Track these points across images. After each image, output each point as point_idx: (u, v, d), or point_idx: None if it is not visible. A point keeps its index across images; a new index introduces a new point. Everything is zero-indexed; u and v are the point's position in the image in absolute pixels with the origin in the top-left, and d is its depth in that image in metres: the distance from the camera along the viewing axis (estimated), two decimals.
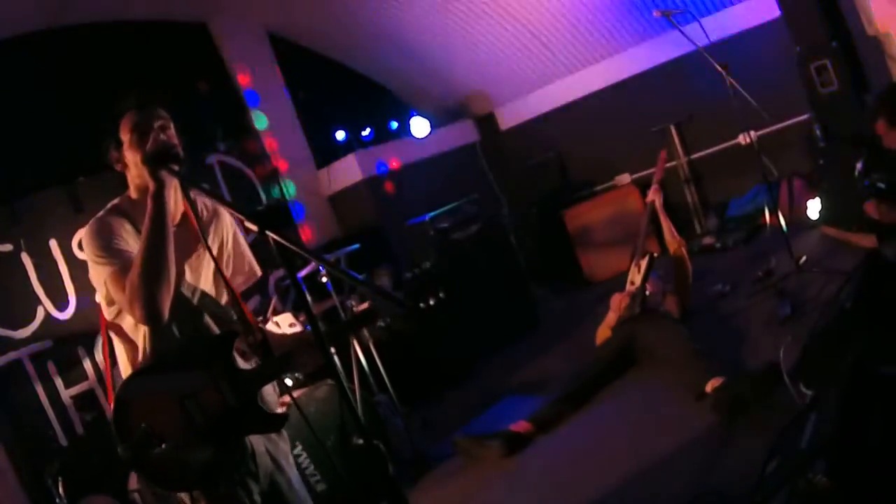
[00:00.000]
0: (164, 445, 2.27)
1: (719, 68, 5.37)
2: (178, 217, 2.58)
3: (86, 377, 5.41)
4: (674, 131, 7.72)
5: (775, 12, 6.27)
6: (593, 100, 8.28)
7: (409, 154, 7.93)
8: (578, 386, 4.65)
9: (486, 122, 9.21)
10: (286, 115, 7.88)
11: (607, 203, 7.90)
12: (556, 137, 8.62)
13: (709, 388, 3.83)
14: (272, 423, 2.56)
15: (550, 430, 4.43)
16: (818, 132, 5.97)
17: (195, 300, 2.57)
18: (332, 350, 4.52)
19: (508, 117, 9.17)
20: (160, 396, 2.34)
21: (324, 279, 5.21)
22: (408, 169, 7.80)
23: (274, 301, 5.70)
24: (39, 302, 5.33)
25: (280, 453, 2.66)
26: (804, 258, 5.29)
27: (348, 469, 4.38)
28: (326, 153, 7.75)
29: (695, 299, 5.46)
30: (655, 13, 5.47)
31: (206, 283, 2.64)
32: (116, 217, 2.52)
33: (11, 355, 5.12)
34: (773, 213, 5.96)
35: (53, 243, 5.44)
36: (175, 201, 2.55)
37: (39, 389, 5.18)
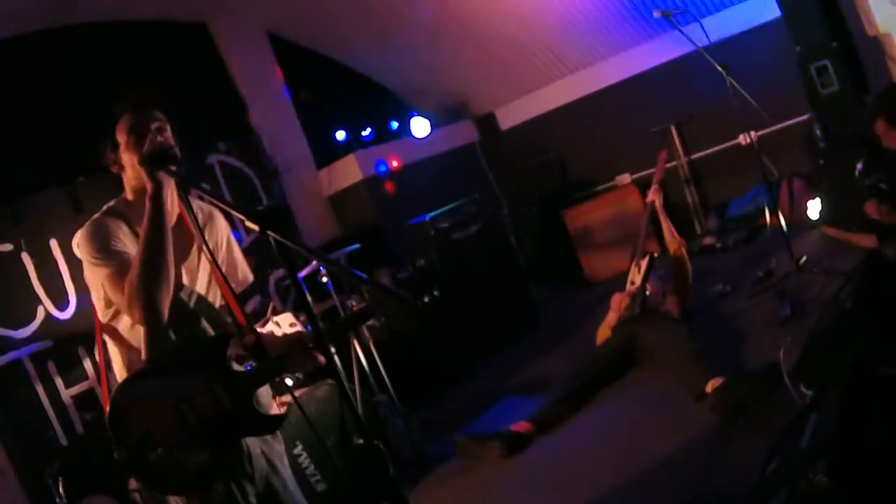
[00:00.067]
0: (160, 449, 2.27)
1: (719, 68, 5.37)
2: (174, 219, 2.58)
3: (86, 377, 5.40)
4: (674, 131, 7.72)
5: (775, 12, 6.27)
6: (594, 100, 8.28)
7: (410, 154, 7.93)
8: (579, 386, 4.65)
9: (487, 122, 9.21)
10: (286, 115, 7.88)
11: (608, 203, 7.90)
12: (557, 137, 8.62)
13: (709, 388, 3.83)
14: (268, 425, 2.56)
15: (551, 431, 4.44)
16: (818, 132, 5.97)
17: (191, 303, 2.58)
18: (333, 350, 4.53)
19: (509, 117, 9.17)
20: (156, 400, 2.34)
21: (324, 279, 5.21)
22: (408, 169, 7.80)
23: (273, 303, 5.70)
24: (40, 302, 5.33)
25: (275, 455, 2.66)
26: (804, 258, 5.29)
27: (348, 469, 4.38)
28: (326, 153, 7.74)
29: (695, 299, 5.46)
30: (656, 13, 5.47)
31: (202, 287, 2.64)
32: (113, 219, 2.53)
33: (12, 355, 5.12)
34: (774, 214, 5.97)
35: (54, 243, 5.44)
36: (171, 203, 2.55)
37: (40, 389, 5.18)
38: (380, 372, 5.21)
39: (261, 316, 6.12)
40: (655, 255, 5.28)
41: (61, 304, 5.40)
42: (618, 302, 5.13)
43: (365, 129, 7.70)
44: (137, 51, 6.74)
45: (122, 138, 2.50)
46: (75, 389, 5.33)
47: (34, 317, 5.30)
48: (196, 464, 2.32)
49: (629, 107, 7.92)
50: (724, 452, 3.36)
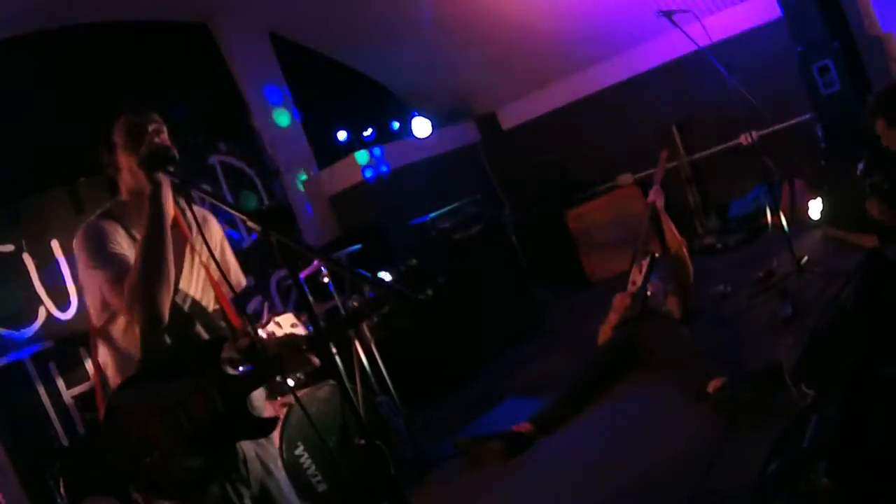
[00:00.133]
0: (155, 453, 2.27)
1: (721, 68, 5.37)
2: (170, 222, 2.58)
3: (87, 377, 5.40)
4: (675, 131, 7.72)
5: (777, 12, 6.27)
6: (595, 100, 8.28)
7: (411, 154, 7.92)
8: (580, 387, 4.65)
9: (488, 122, 9.20)
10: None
11: (609, 203, 7.90)
12: (558, 137, 8.61)
13: (710, 388, 3.83)
14: (262, 428, 2.56)
15: (552, 431, 4.44)
16: (819, 132, 5.97)
17: (186, 307, 2.58)
18: (334, 350, 4.54)
19: (510, 117, 9.17)
20: (151, 405, 2.34)
21: (325, 279, 5.21)
22: (409, 169, 7.79)
23: (267, 307, 5.71)
24: (41, 302, 5.34)
25: (269, 458, 2.66)
26: (805, 258, 5.28)
27: (350, 469, 4.38)
28: (328, 153, 7.74)
29: (696, 300, 5.46)
30: (657, 13, 5.47)
31: (196, 290, 2.64)
32: (108, 221, 2.52)
33: (13, 355, 5.12)
34: (775, 214, 5.96)
35: (55, 243, 5.44)
36: (168, 205, 2.55)
37: (41, 389, 5.18)
38: (381, 372, 5.22)
39: (260, 315, 6.14)
40: (656, 255, 5.27)
41: (62, 304, 5.41)
42: (619, 302, 5.13)
43: (366, 130, 7.70)
44: (138, 51, 6.75)
45: (118, 140, 2.50)
46: (76, 390, 5.33)
47: (35, 317, 5.30)
48: (191, 468, 2.32)
49: (630, 107, 7.92)
50: (725, 452, 3.36)
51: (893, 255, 3.62)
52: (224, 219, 6.53)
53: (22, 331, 5.22)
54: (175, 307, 2.48)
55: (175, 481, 2.31)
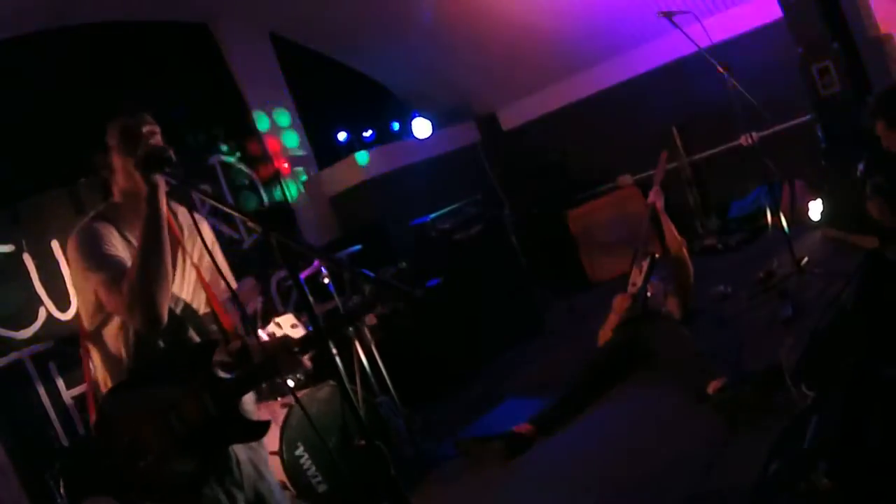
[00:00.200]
0: (148, 458, 2.27)
1: (721, 69, 5.37)
2: (166, 223, 2.58)
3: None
4: (675, 132, 7.72)
5: (777, 13, 6.27)
6: (595, 100, 8.28)
7: (411, 155, 7.92)
8: (580, 387, 4.65)
9: (489, 123, 9.20)
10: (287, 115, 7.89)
11: (609, 204, 7.91)
12: (559, 138, 8.62)
13: (710, 389, 3.83)
14: (255, 432, 2.55)
15: (552, 432, 4.44)
16: (820, 133, 5.97)
17: (178, 310, 2.57)
18: (334, 351, 4.54)
19: (511, 118, 9.17)
20: (143, 409, 2.34)
21: (325, 280, 5.21)
22: (409, 170, 7.79)
23: (254, 305, 5.72)
24: (41, 303, 5.33)
25: (261, 461, 2.66)
26: (805, 259, 5.28)
27: (350, 470, 4.39)
28: (328, 154, 7.74)
29: (696, 300, 5.46)
30: (658, 14, 5.47)
31: (187, 293, 2.64)
32: (102, 223, 2.51)
33: (13, 356, 5.11)
34: (775, 215, 5.96)
35: (55, 244, 5.44)
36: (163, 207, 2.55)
37: (41, 390, 5.18)
38: (381, 373, 5.22)
39: (261, 314, 6.14)
40: (657, 255, 5.27)
41: (63, 305, 5.40)
42: (619, 303, 5.13)
43: (366, 130, 7.70)
44: (139, 51, 6.74)
45: (113, 141, 2.50)
46: (76, 390, 5.33)
47: (36, 318, 5.30)
48: (184, 472, 2.32)
49: (631, 107, 7.92)
50: (725, 453, 3.36)
51: (893, 256, 3.63)
52: (224, 219, 6.57)
53: (22, 331, 5.22)
54: (167, 311, 2.48)
55: (168, 485, 2.31)
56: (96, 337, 2.53)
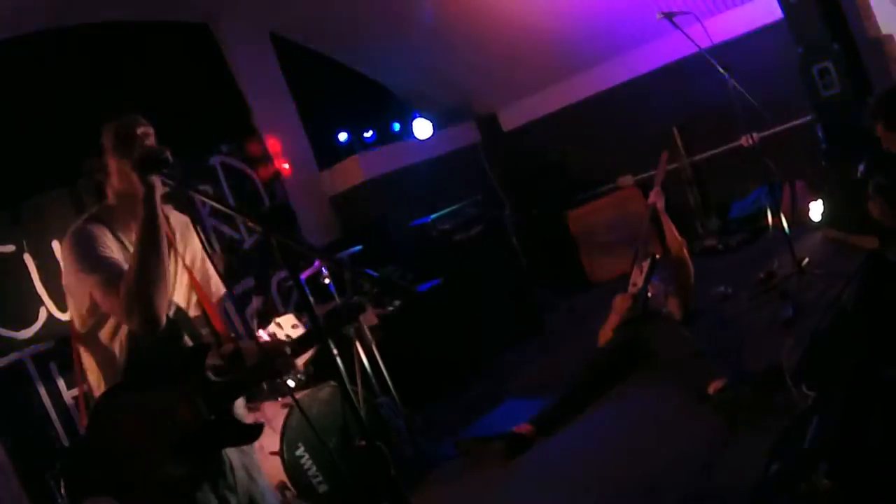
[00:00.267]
0: (141, 462, 2.27)
1: (721, 70, 5.37)
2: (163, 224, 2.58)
3: None
4: (676, 133, 7.72)
5: (777, 14, 6.27)
6: (596, 101, 8.28)
7: (412, 155, 7.92)
8: (580, 388, 4.65)
9: (489, 124, 9.20)
10: (288, 116, 7.89)
11: (610, 205, 7.91)
12: (559, 139, 8.62)
13: (711, 389, 3.83)
14: (248, 435, 2.55)
15: (553, 432, 4.44)
16: (820, 134, 5.97)
17: (171, 313, 2.57)
18: (335, 351, 4.53)
19: (511, 118, 9.17)
20: (137, 413, 2.34)
21: (326, 280, 5.21)
22: (410, 170, 7.79)
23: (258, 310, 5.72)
24: (42, 303, 5.33)
25: (252, 465, 2.66)
26: (806, 260, 5.28)
27: (350, 470, 4.39)
28: (329, 154, 7.74)
29: (697, 301, 5.46)
30: (658, 15, 5.48)
31: (179, 296, 2.63)
32: (96, 225, 2.51)
33: (13, 356, 5.11)
34: (776, 215, 5.96)
35: (56, 244, 5.44)
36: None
37: (41, 390, 5.17)
38: (382, 373, 5.22)
39: (262, 316, 6.14)
40: (657, 256, 5.27)
41: (63, 305, 5.39)
42: (620, 303, 5.13)
43: (367, 131, 7.70)
44: (139, 51, 6.74)
45: (108, 142, 2.50)
46: (77, 390, 5.31)
47: (36, 318, 5.29)
48: (177, 476, 2.31)
49: (631, 108, 7.92)
50: (726, 453, 3.36)
51: (894, 257, 3.63)
52: (225, 219, 6.57)
53: (22, 331, 5.22)
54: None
55: (161, 490, 2.31)
56: (89, 339, 2.54)
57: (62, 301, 5.37)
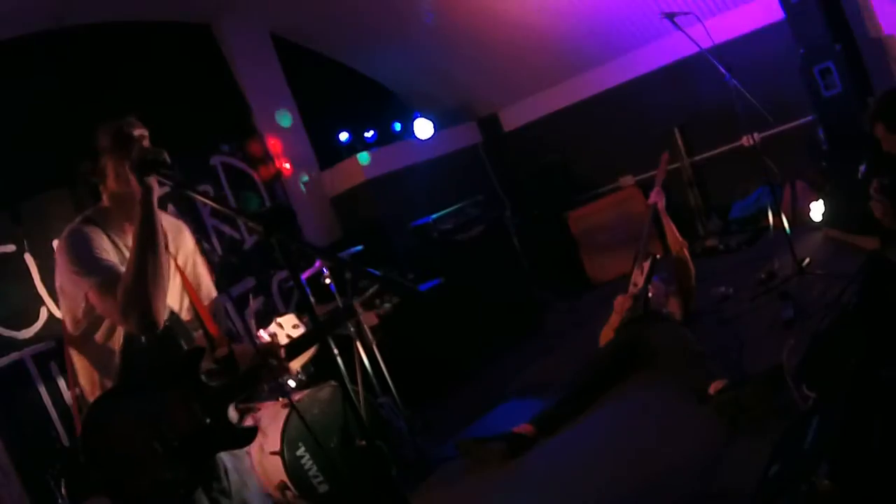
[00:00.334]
0: (136, 467, 2.27)
1: (723, 70, 5.37)
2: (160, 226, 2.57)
3: None
4: (677, 133, 7.72)
5: (779, 15, 6.27)
6: (597, 101, 8.28)
7: (413, 155, 7.92)
8: (581, 388, 4.65)
9: (490, 124, 9.21)
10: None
11: (611, 205, 7.91)
12: (560, 139, 8.62)
13: (711, 390, 3.82)
14: (242, 439, 2.55)
15: (553, 433, 4.43)
16: (821, 135, 5.97)
17: (165, 316, 2.56)
18: (336, 352, 4.54)
19: (512, 119, 9.17)
20: (131, 417, 2.33)
21: (327, 280, 5.21)
22: (411, 170, 7.80)
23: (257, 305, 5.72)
24: (42, 302, 5.33)
25: (243, 470, 2.67)
26: (807, 260, 5.28)
27: (351, 470, 4.39)
28: (330, 155, 7.74)
29: (697, 301, 5.46)
30: (660, 15, 5.47)
31: (173, 300, 2.62)
32: (91, 227, 2.51)
33: (14, 356, 5.12)
34: (776, 216, 5.96)
35: (56, 244, 5.44)
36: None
37: (42, 390, 5.18)
38: (383, 373, 5.22)
39: (262, 316, 6.14)
40: (658, 256, 5.27)
41: None
42: (620, 304, 5.13)
43: (368, 131, 7.70)
44: (140, 51, 6.74)
45: (105, 144, 2.49)
46: (77, 390, 5.33)
47: (37, 318, 5.29)
48: (172, 481, 2.31)
49: (632, 108, 7.92)
50: (727, 455, 3.36)
51: (895, 258, 3.62)
52: (226, 220, 6.57)
53: (23, 331, 5.22)
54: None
55: (156, 494, 2.30)
56: (82, 342, 2.52)
57: None
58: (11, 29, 5.85)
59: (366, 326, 5.16)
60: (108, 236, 2.51)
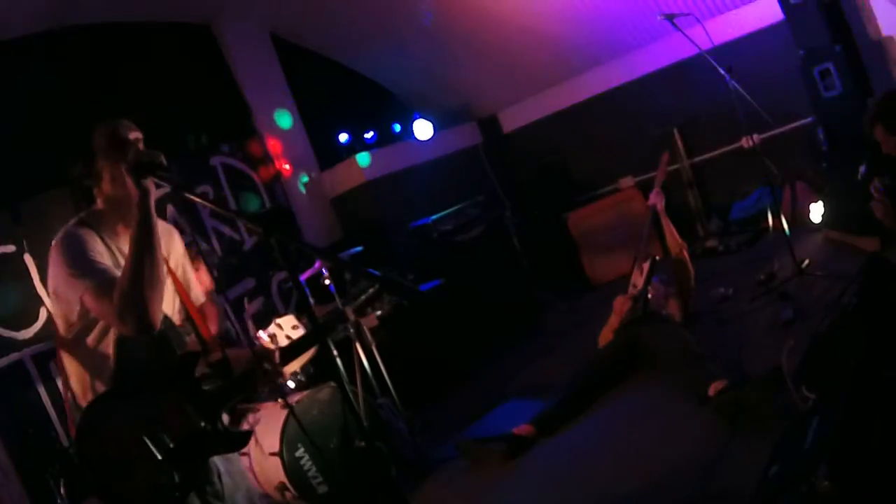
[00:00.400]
0: (130, 471, 2.27)
1: (722, 71, 5.37)
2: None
3: None
4: (677, 134, 7.72)
5: (778, 16, 6.27)
6: (597, 102, 8.28)
7: (413, 156, 7.93)
8: (581, 389, 4.64)
9: (490, 125, 9.21)
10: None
11: (610, 206, 7.90)
12: (560, 140, 8.62)
13: (711, 391, 3.82)
14: (237, 442, 2.55)
15: (553, 434, 4.43)
16: (821, 136, 5.97)
17: None
18: (335, 352, 4.53)
19: (512, 120, 9.17)
20: (126, 422, 2.33)
21: (326, 281, 5.21)
22: (411, 171, 7.80)
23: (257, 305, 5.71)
24: (42, 303, 5.34)
25: (236, 473, 2.67)
26: (807, 261, 5.27)
27: (351, 471, 4.38)
28: (329, 155, 7.75)
29: (697, 302, 5.45)
30: (659, 16, 5.47)
31: (166, 304, 2.62)
32: (85, 229, 2.51)
33: (14, 356, 5.13)
34: (776, 217, 5.96)
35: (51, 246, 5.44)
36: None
37: (42, 390, 5.19)
38: (382, 374, 5.21)
39: (261, 316, 6.14)
40: (657, 258, 5.27)
41: None
42: (620, 305, 5.12)
43: (368, 132, 7.70)
44: (140, 52, 6.75)
45: (100, 146, 2.49)
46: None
47: (37, 318, 5.30)
48: (166, 484, 2.31)
49: (632, 109, 7.92)
50: (726, 455, 3.36)
51: (895, 259, 3.62)
52: (225, 220, 6.57)
53: (23, 331, 5.22)
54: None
55: (151, 498, 2.30)
56: (74, 345, 2.51)
57: None
58: (11, 29, 5.86)
59: (365, 327, 5.15)
60: (102, 239, 2.50)
